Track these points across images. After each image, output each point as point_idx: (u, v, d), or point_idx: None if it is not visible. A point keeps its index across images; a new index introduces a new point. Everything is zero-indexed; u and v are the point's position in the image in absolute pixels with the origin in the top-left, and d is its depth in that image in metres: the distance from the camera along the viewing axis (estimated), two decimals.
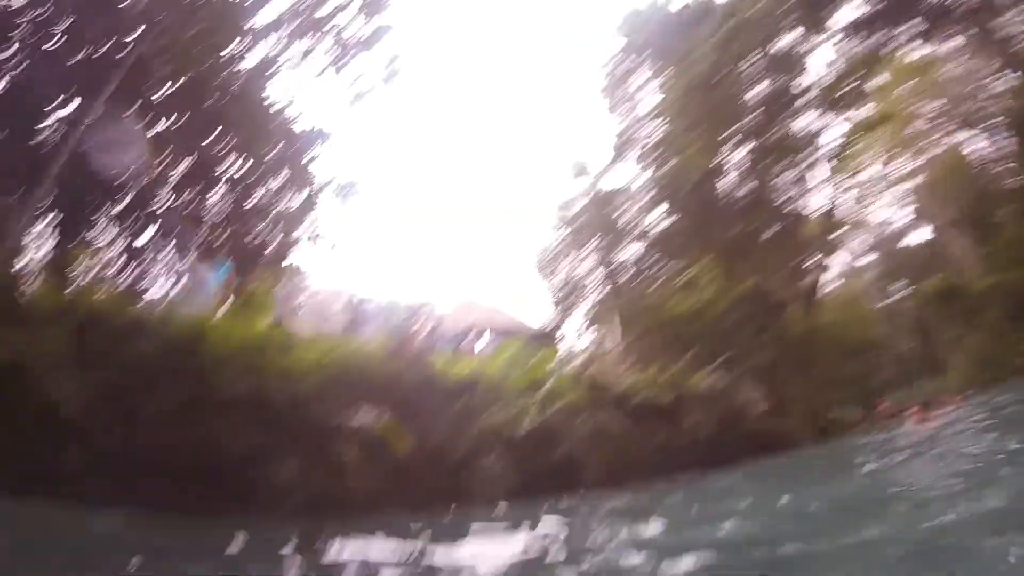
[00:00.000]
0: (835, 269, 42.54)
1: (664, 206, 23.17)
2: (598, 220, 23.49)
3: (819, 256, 23.03)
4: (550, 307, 27.73)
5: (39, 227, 12.77)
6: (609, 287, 24.93)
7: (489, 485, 9.35)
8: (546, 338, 22.34)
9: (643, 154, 24.01)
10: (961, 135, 29.56)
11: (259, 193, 15.27)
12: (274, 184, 15.34)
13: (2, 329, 6.53)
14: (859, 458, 9.58)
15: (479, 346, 15.65)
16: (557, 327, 27.27)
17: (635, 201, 24.31)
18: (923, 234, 37.25)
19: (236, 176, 14.79)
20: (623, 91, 24.98)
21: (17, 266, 9.57)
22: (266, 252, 15.45)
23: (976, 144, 28.29)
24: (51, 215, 12.27)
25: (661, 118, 23.12)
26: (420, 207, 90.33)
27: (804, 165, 22.41)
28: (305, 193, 15.32)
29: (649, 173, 23.60)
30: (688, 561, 3.02)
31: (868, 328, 35.51)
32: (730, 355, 17.08)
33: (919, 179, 31.39)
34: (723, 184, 22.63)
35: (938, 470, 5.47)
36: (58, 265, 9.66)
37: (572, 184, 25.82)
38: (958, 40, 22.41)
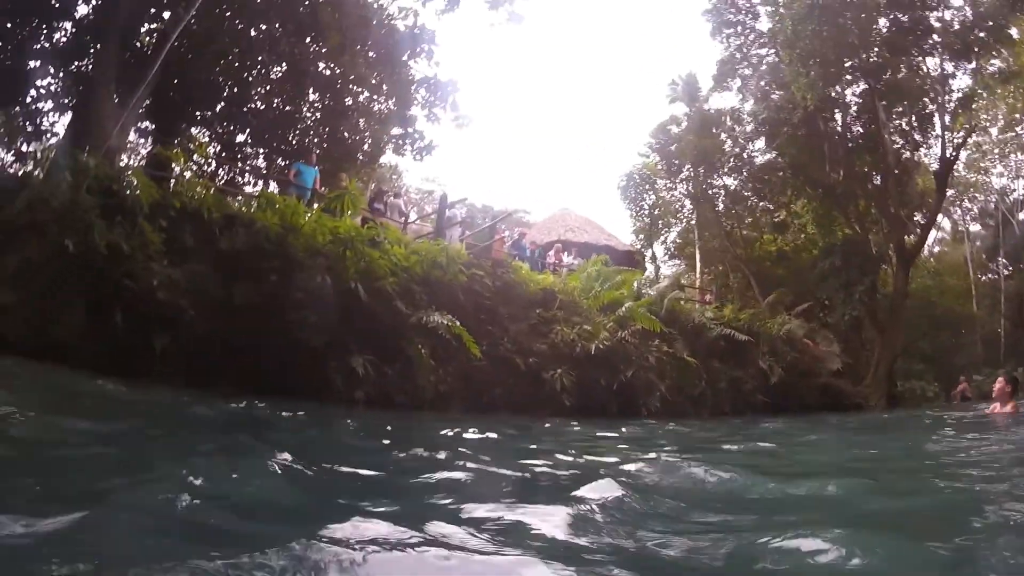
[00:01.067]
0: (942, 232, 39.74)
1: (766, 139, 21.60)
2: (695, 147, 22.13)
3: (928, 214, 21.16)
4: (640, 229, 26.95)
5: (140, 127, 13.44)
6: (700, 217, 23.87)
7: (556, 399, 9.40)
8: (632, 259, 21.78)
9: (747, 83, 22.21)
10: None
11: (355, 94, 15.15)
12: (371, 85, 15.17)
13: (103, 222, 6.89)
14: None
15: (567, 257, 15.38)
16: (644, 250, 26.64)
17: (735, 131, 22.74)
18: None
19: (332, 76, 14.69)
20: (730, 13, 22.73)
21: (118, 163, 10.00)
22: (360, 152, 15.56)
23: None
24: (151, 116, 12.87)
25: (769, 46, 21.10)
26: (523, 119, 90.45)
27: (924, 113, 20.23)
28: (403, 95, 14.97)
29: (752, 103, 21.90)
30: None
31: (965, 302, 33.19)
32: (814, 304, 16.27)
33: None
34: (832, 123, 20.80)
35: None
36: (157, 163, 9.96)
37: (670, 108, 24.34)
38: None
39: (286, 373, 7.21)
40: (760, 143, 22.23)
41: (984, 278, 37.34)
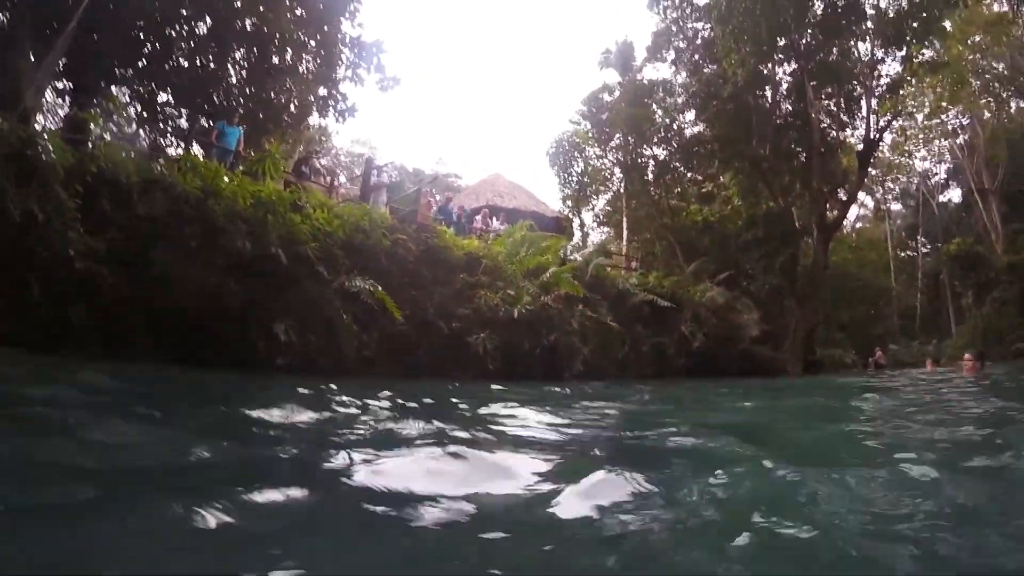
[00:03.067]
0: (865, 209, 41.87)
1: (696, 112, 22.05)
2: (626, 116, 22.39)
3: (849, 191, 22.20)
4: (568, 196, 27.11)
5: (57, 86, 12.82)
6: (628, 186, 24.26)
7: (480, 362, 9.52)
8: (560, 225, 21.97)
9: (681, 55, 22.55)
10: (1015, 105, 28.02)
11: (281, 52, 14.58)
12: (297, 44, 14.61)
13: (16, 188, 6.50)
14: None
15: (495, 223, 15.37)
16: (573, 217, 26.84)
17: (667, 103, 23.09)
18: (956, 195, 36.21)
19: (257, 34, 14.07)
20: None
21: (34, 126, 9.52)
22: (286, 114, 15.05)
23: None
24: (69, 75, 12.26)
25: (705, 20, 21.44)
26: (458, 82, 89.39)
27: (852, 95, 21.08)
28: (329, 55, 14.48)
29: (684, 76, 22.28)
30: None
31: (884, 276, 35.26)
32: (736, 273, 16.90)
33: (964, 138, 30.09)
34: (763, 99, 21.43)
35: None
36: (74, 126, 9.41)
37: (603, 75, 24.42)
38: None
39: (208, 341, 7.07)
40: (690, 115, 22.72)
41: (903, 255, 39.77)
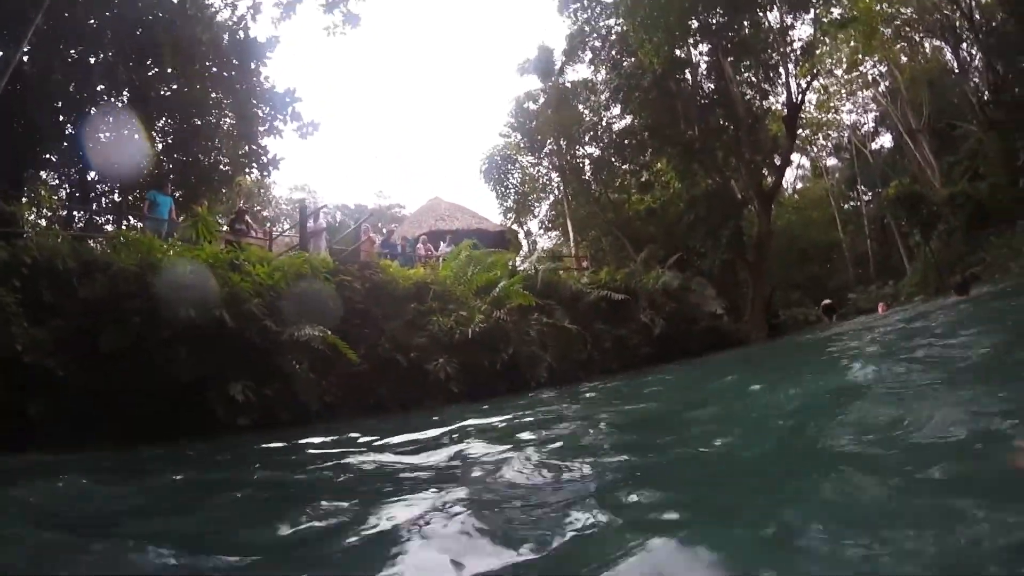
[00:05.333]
0: (803, 170, 43.18)
1: (621, 106, 22.50)
2: (554, 121, 22.72)
3: (782, 156, 22.89)
4: (509, 209, 27.26)
5: None
6: (568, 188, 24.56)
7: (442, 388, 9.49)
8: (504, 239, 22.11)
9: (598, 54, 23.05)
10: (929, 45, 29.31)
11: (202, 113, 14.57)
12: (213, 103, 14.67)
13: None
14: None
15: (443, 246, 15.39)
16: (519, 227, 27.01)
17: (591, 101, 23.54)
18: (887, 140, 37.50)
19: (176, 98, 14.06)
20: None
21: None
22: (216, 173, 15.05)
23: (943, 56, 28.03)
24: None
25: (615, 16, 21.98)
26: (387, 114, 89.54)
27: (769, 63, 21.80)
28: (244, 111, 14.51)
29: (604, 73, 22.75)
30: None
31: (832, 230, 36.32)
32: (686, 254, 17.25)
33: (886, 85, 31.27)
34: (684, 83, 22.00)
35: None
36: (3, 219, 9.21)
37: (524, 83, 24.80)
38: None
39: (166, 414, 7.01)
40: (616, 110, 23.14)
41: (847, 207, 41.04)
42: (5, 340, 6.50)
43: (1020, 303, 9.44)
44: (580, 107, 23.24)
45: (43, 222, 11.48)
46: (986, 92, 25.11)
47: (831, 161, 43.19)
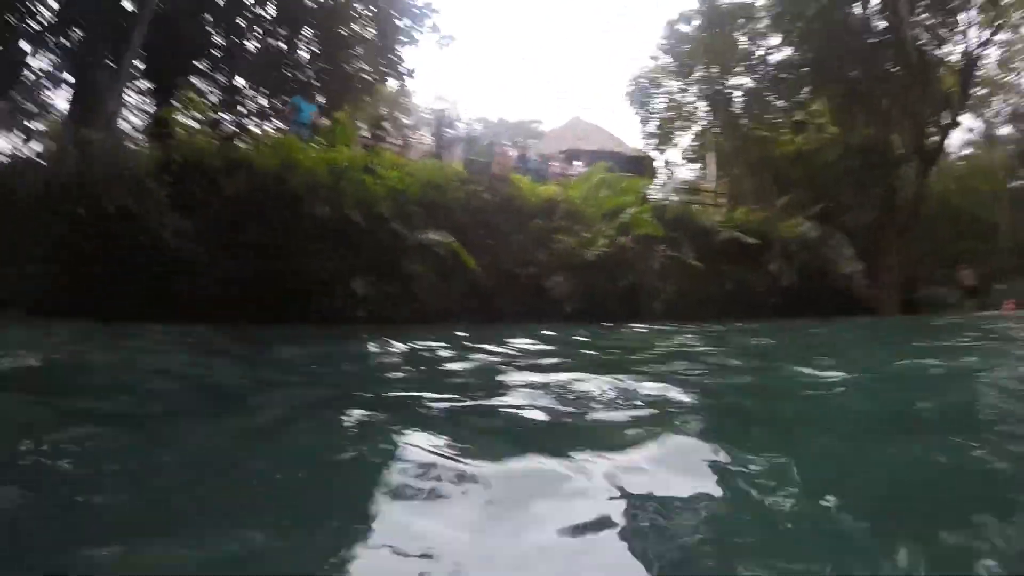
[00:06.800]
0: (968, 135, 37.98)
1: (780, 34, 20.41)
2: (707, 44, 21.08)
3: (951, 115, 20.04)
4: (651, 135, 26.10)
5: (139, 86, 13.92)
6: (713, 118, 23.01)
7: (557, 306, 9.45)
8: (641, 165, 21.32)
9: None
10: None
11: (347, 23, 14.96)
12: (359, 14, 15.12)
13: (111, 184, 7.33)
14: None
15: (577, 165, 15.07)
16: (655, 154, 25.91)
17: (750, 27, 21.46)
18: None
19: (323, 8, 14.49)
20: None
21: (115, 130, 10.44)
22: (358, 82, 15.69)
23: None
24: (148, 75, 13.38)
25: None
26: (536, 27, 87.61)
27: (949, 5, 18.81)
28: (386, 21, 14.72)
29: None
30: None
31: (991, 208, 32.01)
32: (830, 206, 15.76)
33: None
34: (852, 16, 19.50)
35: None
36: (159, 122, 10.19)
37: (682, 4, 23.01)
38: None
39: (296, 301, 7.65)
40: (775, 40, 20.98)
41: (1016, 184, 35.90)
42: (155, 228, 7.28)
43: None
44: (736, 33, 21.27)
45: (194, 124, 12.47)
46: None
47: (1006, 129, 37.61)
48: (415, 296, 8.68)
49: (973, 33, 18.43)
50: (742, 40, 21.64)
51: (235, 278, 7.46)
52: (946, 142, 22.44)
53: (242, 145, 9.77)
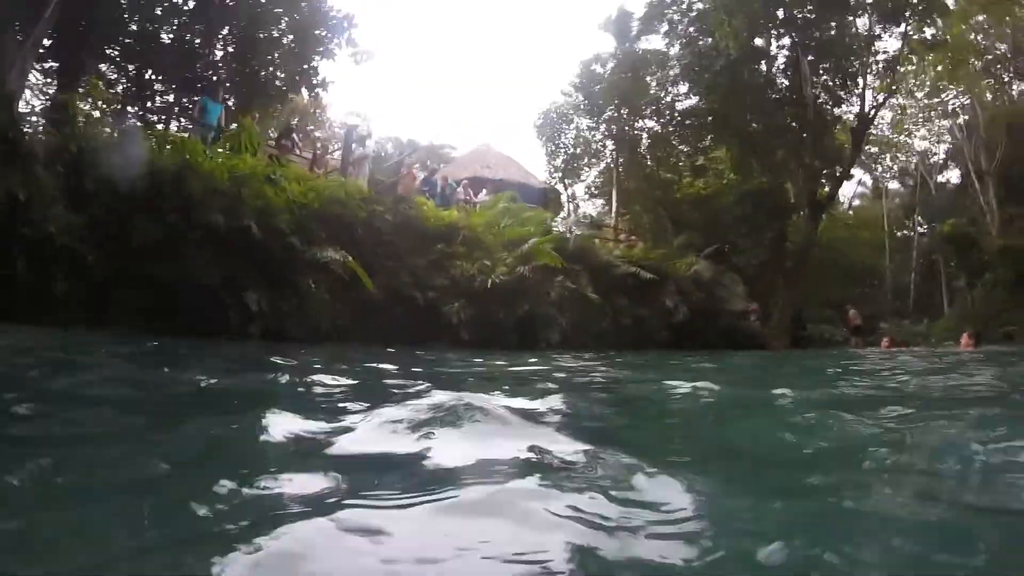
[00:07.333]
0: (864, 187, 41.50)
1: (689, 85, 21.74)
2: (619, 87, 22.08)
3: (843, 168, 21.94)
4: (557, 168, 26.82)
5: (44, 67, 13.20)
6: (618, 157, 24.00)
7: (453, 332, 9.49)
8: (546, 196, 21.81)
9: (675, 27, 22.12)
10: (1017, 87, 27.53)
11: (266, 26, 14.61)
12: (277, 19, 14.66)
13: (4, 167, 6.83)
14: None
15: (482, 193, 15.22)
16: (565, 188, 26.58)
17: (661, 74, 22.74)
18: (954, 175, 35.78)
19: (242, 8, 14.08)
20: None
21: (15, 109, 9.73)
22: (271, 88, 15.22)
23: None
24: (54, 55, 12.57)
25: None
26: (454, 54, 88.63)
27: (848, 71, 20.73)
28: (304, 30, 14.50)
29: (678, 48, 21.90)
30: None
31: (879, 255, 35.03)
32: (724, 247, 16.81)
33: (964, 119, 29.62)
34: (757, 73, 21.08)
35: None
36: (59, 106, 9.64)
37: (597, 45, 24.04)
38: None
39: (183, 310, 7.28)
40: (684, 88, 22.40)
41: (900, 234, 39.47)
42: (40, 221, 6.79)
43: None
44: (648, 79, 22.48)
45: (96, 114, 11.65)
46: None
47: (893, 185, 41.47)
48: (309, 314, 8.51)
49: (869, 96, 20.28)
50: (652, 86, 22.89)
51: (122, 282, 7.11)
52: (837, 193, 24.51)
53: (143, 141, 9.37)
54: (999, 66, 26.48)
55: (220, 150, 9.17)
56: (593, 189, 27.73)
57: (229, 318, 7.65)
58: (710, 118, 21.29)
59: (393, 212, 10.29)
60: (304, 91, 15.16)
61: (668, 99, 22.83)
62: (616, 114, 23.18)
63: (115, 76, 14.48)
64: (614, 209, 23.25)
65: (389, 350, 7.46)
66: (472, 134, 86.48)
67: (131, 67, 14.22)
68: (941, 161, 36.76)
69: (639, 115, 23.06)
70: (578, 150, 25.94)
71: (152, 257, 7.23)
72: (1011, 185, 25.91)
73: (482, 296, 9.79)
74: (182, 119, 13.72)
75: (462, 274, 9.93)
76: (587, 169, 26.90)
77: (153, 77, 14.65)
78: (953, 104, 29.79)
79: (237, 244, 7.87)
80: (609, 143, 24.55)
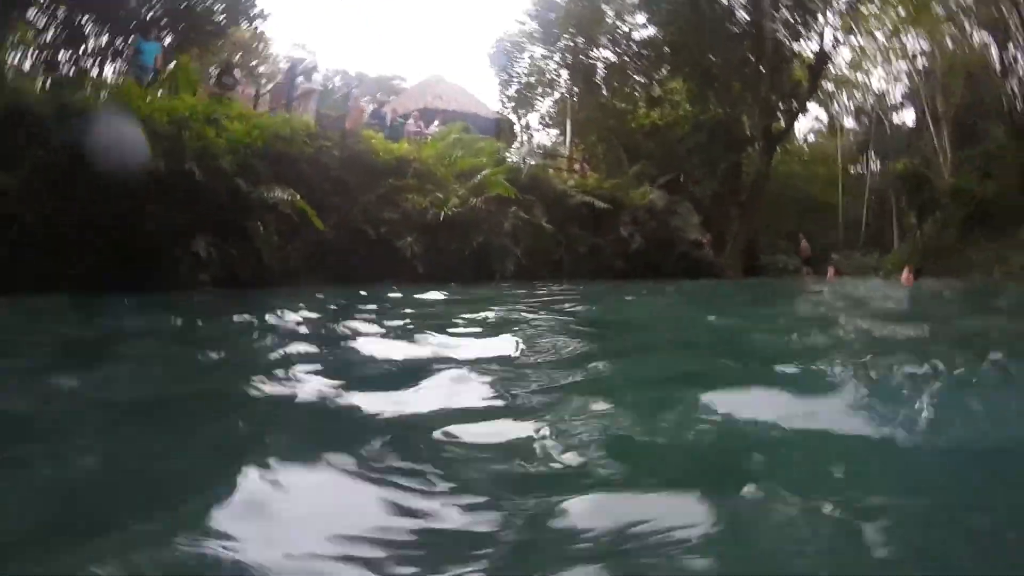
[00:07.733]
0: (820, 124, 41.91)
1: (646, 14, 21.33)
2: (575, 15, 21.56)
3: (799, 103, 22.08)
4: (511, 98, 26.31)
5: None
6: (573, 86, 23.65)
7: (408, 266, 9.49)
8: (499, 126, 21.54)
9: None
10: (978, 37, 27.64)
11: None
12: None
13: None
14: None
15: (433, 125, 14.91)
16: (519, 119, 26.21)
17: (618, 3, 22.20)
18: (910, 117, 36.23)
19: None
20: None
21: None
22: (208, 24, 14.40)
23: (988, 52, 26.51)
24: None
25: None
26: None
27: (809, 5, 20.57)
28: None
29: None
30: None
31: (829, 191, 35.83)
32: (679, 178, 17.00)
33: (923, 63, 29.81)
34: (717, 6, 20.77)
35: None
36: None
37: None
38: None
39: (129, 265, 7.04)
40: (641, 18, 21.97)
41: (853, 171, 40.28)
42: None
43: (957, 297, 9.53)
44: (604, 7, 21.91)
45: (27, 65, 11.08)
46: (1020, 99, 24.18)
47: (849, 122, 41.93)
48: (260, 258, 8.35)
49: (828, 33, 20.23)
50: (609, 14, 22.36)
51: (64, 240, 6.84)
52: (793, 128, 24.75)
53: (76, 90, 8.84)
54: (961, 14, 26.56)
55: (158, 92, 8.81)
56: (547, 119, 27.24)
57: (179, 268, 7.49)
58: (667, 49, 21.03)
59: (341, 147, 10.03)
60: (243, 24, 14.34)
61: (625, 29, 22.40)
62: (571, 43, 22.61)
63: (44, 22, 13.37)
64: (568, 139, 23.03)
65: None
66: (422, 64, 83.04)
67: (61, 11, 13.18)
68: (898, 103, 37.21)
69: (595, 44, 22.58)
70: (532, 80, 25.29)
71: (95, 211, 6.99)
72: (964, 131, 26.51)
73: (435, 229, 9.77)
74: (117, 61, 13.05)
75: (414, 207, 9.85)
76: (541, 99, 26.33)
77: (85, 19, 13.62)
78: (913, 48, 29.96)
79: (180, 189, 7.62)
80: (564, 73, 24.00)
